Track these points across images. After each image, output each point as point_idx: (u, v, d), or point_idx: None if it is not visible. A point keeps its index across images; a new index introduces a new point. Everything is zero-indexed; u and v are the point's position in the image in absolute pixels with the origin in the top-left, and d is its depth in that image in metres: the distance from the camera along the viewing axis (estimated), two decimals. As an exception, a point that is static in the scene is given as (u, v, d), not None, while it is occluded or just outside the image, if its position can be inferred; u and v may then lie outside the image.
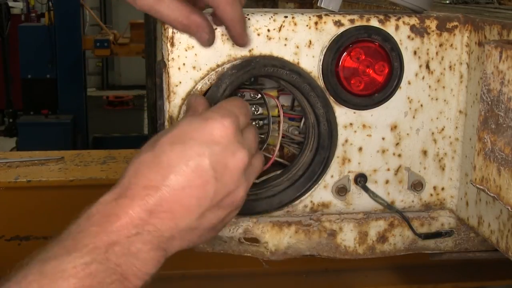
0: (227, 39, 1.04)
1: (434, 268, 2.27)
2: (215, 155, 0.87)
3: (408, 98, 1.11)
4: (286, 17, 1.06)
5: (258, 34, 1.05)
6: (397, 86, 1.10)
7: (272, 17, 1.05)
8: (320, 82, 1.08)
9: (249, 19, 1.04)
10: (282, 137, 1.17)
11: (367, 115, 1.11)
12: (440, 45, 1.10)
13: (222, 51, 1.05)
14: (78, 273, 0.78)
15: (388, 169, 1.14)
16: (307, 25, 1.06)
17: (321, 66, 1.07)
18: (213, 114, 0.91)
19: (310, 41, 1.07)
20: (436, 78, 1.11)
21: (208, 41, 1.00)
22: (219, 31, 1.04)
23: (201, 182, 0.86)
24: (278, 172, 1.14)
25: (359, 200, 1.15)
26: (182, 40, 1.04)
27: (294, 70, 1.06)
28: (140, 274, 0.83)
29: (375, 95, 1.10)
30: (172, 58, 1.04)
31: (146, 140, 0.92)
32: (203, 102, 0.98)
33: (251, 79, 1.11)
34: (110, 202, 0.85)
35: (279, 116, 1.15)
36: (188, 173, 0.86)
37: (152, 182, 0.85)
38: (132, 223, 0.83)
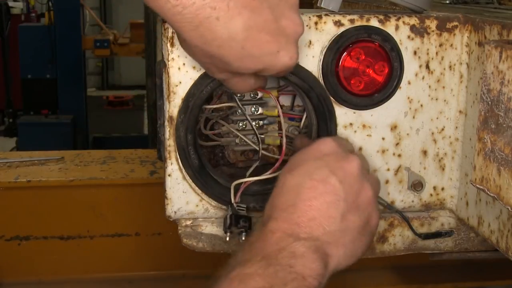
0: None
1: (434, 268, 2.27)
2: (331, 164, 0.97)
3: (408, 98, 1.11)
4: (286, 17, 1.05)
5: (258, 34, 1.05)
6: (397, 86, 1.10)
7: (272, 17, 1.05)
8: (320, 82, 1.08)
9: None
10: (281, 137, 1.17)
11: (367, 115, 1.11)
12: (440, 45, 1.10)
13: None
14: (260, 274, 0.88)
15: (388, 169, 1.14)
16: (307, 25, 1.06)
17: (321, 66, 1.07)
18: (316, 140, 1.04)
19: (310, 41, 1.07)
20: (436, 78, 1.11)
21: None
22: None
23: (329, 189, 0.96)
24: None
25: (359, 200, 1.14)
26: (182, 40, 1.04)
27: None
28: (314, 274, 0.91)
29: (375, 95, 1.10)
30: (172, 58, 1.04)
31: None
32: (306, 140, 1.11)
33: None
34: (260, 228, 0.96)
35: (279, 116, 1.15)
36: (314, 185, 0.96)
37: (288, 203, 0.96)
38: (286, 234, 0.93)
